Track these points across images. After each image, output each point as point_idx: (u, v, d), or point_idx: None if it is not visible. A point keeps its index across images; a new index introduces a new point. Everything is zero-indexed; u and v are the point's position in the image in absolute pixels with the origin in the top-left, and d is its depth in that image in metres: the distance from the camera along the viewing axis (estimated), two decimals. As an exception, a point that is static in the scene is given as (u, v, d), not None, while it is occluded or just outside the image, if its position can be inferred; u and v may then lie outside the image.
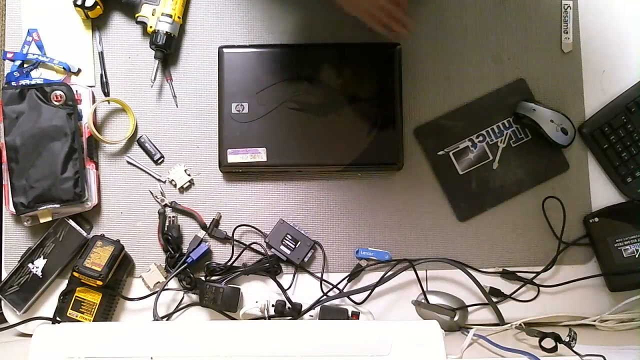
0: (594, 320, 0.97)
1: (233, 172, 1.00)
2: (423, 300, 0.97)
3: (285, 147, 0.98)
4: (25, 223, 0.96)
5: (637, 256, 0.97)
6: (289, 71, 0.98)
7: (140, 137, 1.01)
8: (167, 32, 0.98)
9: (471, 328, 0.90)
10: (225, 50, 0.99)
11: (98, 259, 0.93)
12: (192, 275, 0.97)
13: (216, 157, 0.99)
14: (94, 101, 1.00)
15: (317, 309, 0.97)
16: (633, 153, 1.01)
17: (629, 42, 1.04)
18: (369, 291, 0.97)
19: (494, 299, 0.98)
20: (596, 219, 0.99)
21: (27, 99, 0.94)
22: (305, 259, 0.98)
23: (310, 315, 0.97)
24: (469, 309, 0.98)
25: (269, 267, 0.98)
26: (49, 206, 0.94)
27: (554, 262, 1.00)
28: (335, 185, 1.01)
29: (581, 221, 1.01)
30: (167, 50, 0.99)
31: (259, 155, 0.97)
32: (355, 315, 0.97)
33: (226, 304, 0.94)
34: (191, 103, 1.02)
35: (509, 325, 0.93)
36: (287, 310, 0.96)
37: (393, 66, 0.99)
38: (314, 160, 0.99)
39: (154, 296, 0.96)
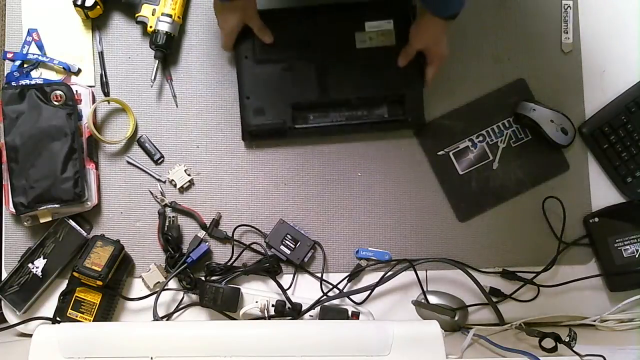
0: (594, 320, 0.97)
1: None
2: (423, 300, 0.97)
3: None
4: (25, 223, 0.96)
5: (637, 256, 0.97)
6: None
7: (140, 137, 1.01)
8: (167, 32, 0.98)
9: (471, 328, 0.90)
10: None
11: (98, 259, 0.93)
12: (192, 275, 0.97)
13: (216, 157, 0.99)
14: (94, 101, 1.00)
15: (317, 309, 0.96)
16: (633, 153, 1.01)
17: (629, 42, 1.04)
18: (369, 291, 0.97)
19: (494, 299, 0.98)
20: (596, 219, 0.99)
21: (27, 99, 0.94)
22: (305, 259, 0.98)
23: (310, 315, 0.97)
24: (469, 309, 0.98)
25: (269, 267, 0.98)
26: (49, 206, 0.94)
27: (554, 262, 1.00)
28: (335, 185, 1.01)
29: (581, 221, 1.01)
30: (167, 50, 0.99)
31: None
32: (355, 315, 0.97)
33: (226, 304, 0.94)
34: (191, 103, 1.02)
35: (509, 325, 0.93)
36: (287, 310, 0.96)
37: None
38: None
39: (154, 296, 0.96)
